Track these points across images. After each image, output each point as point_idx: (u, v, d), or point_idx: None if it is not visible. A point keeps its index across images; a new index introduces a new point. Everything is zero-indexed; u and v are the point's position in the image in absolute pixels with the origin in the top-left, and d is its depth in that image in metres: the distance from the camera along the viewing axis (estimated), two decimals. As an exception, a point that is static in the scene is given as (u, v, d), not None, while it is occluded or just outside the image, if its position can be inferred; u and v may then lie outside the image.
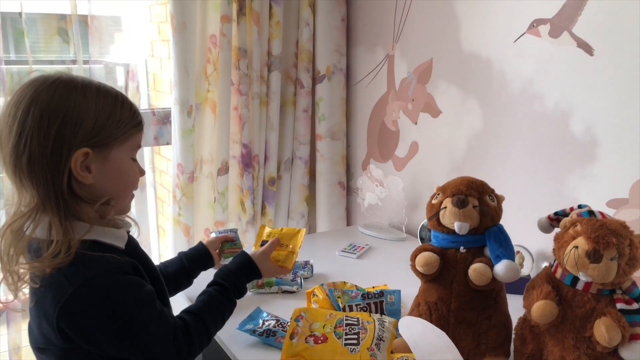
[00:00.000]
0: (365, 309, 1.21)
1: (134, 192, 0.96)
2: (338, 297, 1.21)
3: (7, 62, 1.65)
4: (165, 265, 1.19)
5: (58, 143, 0.81)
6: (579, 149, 1.30)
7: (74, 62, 1.76)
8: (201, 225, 1.96)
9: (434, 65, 1.66)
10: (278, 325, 1.16)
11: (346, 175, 2.11)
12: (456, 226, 1.02)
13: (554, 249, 0.96)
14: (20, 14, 1.68)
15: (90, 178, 0.84)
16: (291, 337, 1.06)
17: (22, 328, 1.66)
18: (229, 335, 1.16)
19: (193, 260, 1.21)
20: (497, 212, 1.05)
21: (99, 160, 0.85)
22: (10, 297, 0.86)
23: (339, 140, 2.06)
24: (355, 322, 1.11)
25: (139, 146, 0.93)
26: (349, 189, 2.14)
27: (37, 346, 0.88)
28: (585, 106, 1.27)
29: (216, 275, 1.07)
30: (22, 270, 0.84)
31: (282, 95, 1.97)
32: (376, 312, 1.21)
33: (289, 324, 1.15)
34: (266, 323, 1.17)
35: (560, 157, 1.34)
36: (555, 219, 1.04)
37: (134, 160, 0.93)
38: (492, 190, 1.07)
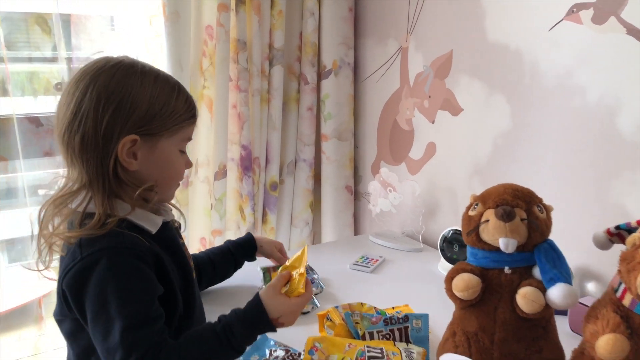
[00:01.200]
0: (388, 336, 1.04)
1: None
2: (356, 323, 1.05)
3: None
4: (213, 252, 1.26)
5: (110, 127, 0.83)
6: (628, 150, 1.14)
7: (54, 59, 1.60)
8: (197, 234, 1.80)
9: (454, 58, 1.51)
10: (288, 357, 1.00)
11: (354, 179, 1.95)
12: (502, 243, 0.86)
13: (619, 271, 0.81)
14: None
15: (135, 165, 0.86)
16: (305, 374, 0.90)
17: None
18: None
19: (239, 248, 1.27)
20: (547, 225, 0.89)
21: (146, 148, 0.86)
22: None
23: (347, 141, 1.89)
24: (379, 355, 0.95)
25: (189, 139, 0.93)
26: (356, 194, 1.98)
27: (55, 317, 0.90)
28: (635, 101, 1.12)
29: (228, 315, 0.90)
30: (57, 242, 0.85)
31: (285, 92, 1.80)
32: (401, 341, 1.05)
33: (300, 356, 0.99)
34: (274, 354, 1.01)
35: (604, 160, 1.19)
36: (616, 234, 0.89)
37: (183, 152, 0.93)
38: (541, 200, 0.91)
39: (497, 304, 0.87)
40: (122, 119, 0.83)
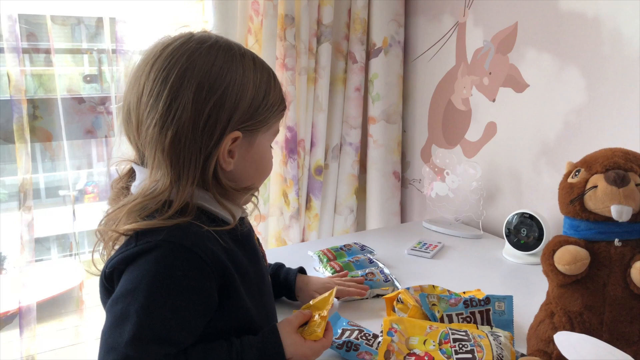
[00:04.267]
0: (469, 319, 0.95)
1: None
2: (433, 305, 0.96)
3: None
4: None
5: (212, 122, 0.71)
6: None
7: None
8: (239, 220, 1.72)
9: (519, 31, 1.41)
10: (361, 337, 0.91)
11: (401, 165, 1.86)
12: (614, 211, 0.76)
13: None
14: None
15: (231, 164, 0.75)
16: (386, 356, 0.81)
17: (37, 334, 1.44)
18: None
19: (275, 283, 1.05)
20: (662, 193, 0.79)
21: (244, 146, 0.76)
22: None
23: (395, 124, 1.80)
24: (465, 337, 0.85)
25: (278, 131, 0.83)
26: (404, 181, 1.89)
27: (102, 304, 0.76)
28: None
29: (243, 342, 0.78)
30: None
31: (332, 71, 1.72)
32: (482, 324, 0.95)
33: (375, 336, 0.90)
34: (346, 333, 0.92)
35: (700, 132, 1.09)
36: None
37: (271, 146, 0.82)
38: (653, 165, 0.81)
39: (605, 280, 0.78)
40: (226, 112, 0.72)
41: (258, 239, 0.91)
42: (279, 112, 0.79)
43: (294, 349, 0.77)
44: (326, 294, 0.85)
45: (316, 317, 0.81)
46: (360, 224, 1.92)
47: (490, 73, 1.50)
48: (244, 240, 0.81)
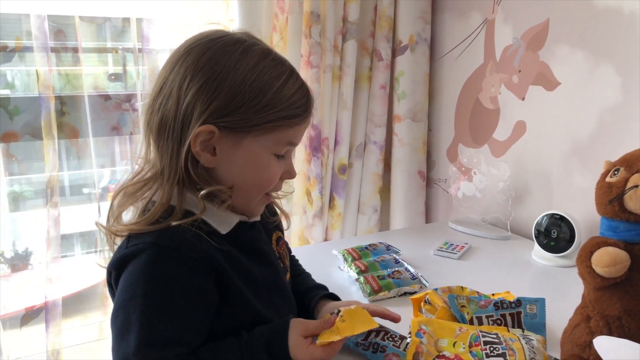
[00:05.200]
0: (499, 322, 0.92)
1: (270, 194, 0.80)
2: (462, 307, 0.93)
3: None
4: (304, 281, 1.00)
5: (190, 111, 0.70)
6: None
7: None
8: (262, 218, 1.71)
9: (550, 27, 1.37)
10: (388, 339, 0.89)
11: (427, 165, 1.83)
12: (657, 211, 0.73)
13: None
14: None
15: (212, 161, 0.73)
16: (415, 358, 0.79)
17: (62, 329, 1.46)
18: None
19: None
20: None
21: (228, 144, 0.72)
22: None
23: (421, 123, 1.78)
24: (496, 340, 0.83)
25: (291, 143, 0.75)
26: (429, 181, 1.86)
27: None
28: None
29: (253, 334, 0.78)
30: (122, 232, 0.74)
31: (357, 69, 1.70)
32: (514, 327, 0.93)
33: (402, 338, 0.88)
34: (373, 334, 0.90)
35: None
36: None
37: (281, 157, 0.75)
38: (697, 165, 0.78)
39: (647, 284, 0.75)
40: (203, 103, 0.69)
41: (282, 242, 0.90)
42: (279, 118, 0.72)
43: (295, 349, 0.75)
44: (365, 321, 0.81)
45: (339, 327, 0.78)
46: (384, 224, 1.90)
47: (519, 71, 1.47)
48: (248, 244, 0.79)
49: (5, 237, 1.65)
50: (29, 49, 1.36)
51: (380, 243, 1.33)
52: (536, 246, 1.32)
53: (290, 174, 0.79)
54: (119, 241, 0.75)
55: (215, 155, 0.72)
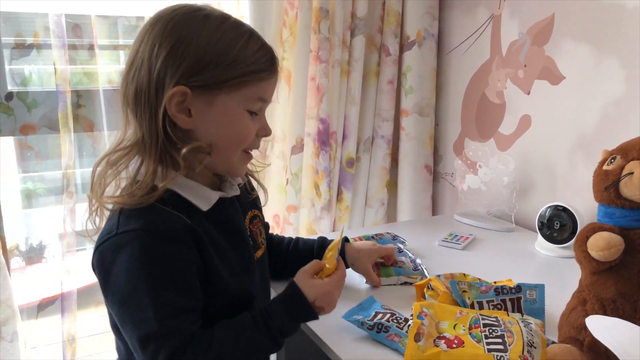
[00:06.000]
0: (499, 306, 0.95)
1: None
2: (463, 292, 0.96)
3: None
4: (304, 242, 1.09)
5: (162, 76, 0.74)
6: None
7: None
8: (271, 210, 1.75)
9: (556, 22, 1.39)
10: (392, 320, 0.92)
11: (433, 159, 1.85)
12: (650, 197, 0.75)
13: None
14: None
15: (188, 122, 0.77)
16: (416, 338, 0.82)
17: (77, 318, 1.50)
18: (328, 325, 0.93)
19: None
20: (701, 181, 0.78)
21: (202, 104, 0.76)
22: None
23: (428, 117, 1.80)
24: (495, 323, 0.86)
25: (262, 99, 0.80)
26: (435, 175, 1.88)
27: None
28: None
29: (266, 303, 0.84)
30: (107, 203, 0.78)
31: (365, 64, 1.73)
32: (513, 312, 0.95)
33: (406, 320, 0.92)
34: (379, 315, 0.93)
35: None
36: None
37: (254, 113, 0.80)
38: (692, 153, 0.80)
39: (641, 268, 0.77)
40: (173, 67, 0.74)
41: (257, 220, 0.94)
42: (247, 73, 0.77)
43: (314, 290, 0.82)
44: (337, 238, 0.90)
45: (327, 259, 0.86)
46: (390, 217, 1.93)
47: (525, 65, 1.49)
48: (226, 222, 0.84)
49: (19, 231, 1.70)
50: (46, 44, 1.40)
51: (387, 233, 1.36)
52: (539, 237, 1.34)
53: (265, 130, 0.84)
54: (106, 213, 0.79)
55: (191, 117, 0.76)
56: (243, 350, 0.77)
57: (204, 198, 0.80)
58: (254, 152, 0.88)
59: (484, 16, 1.61)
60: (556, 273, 1.22)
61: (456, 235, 1.40)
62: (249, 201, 0.94)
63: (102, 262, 0.76)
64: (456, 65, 1.74)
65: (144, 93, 0.75)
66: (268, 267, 0.98)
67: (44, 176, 1.87)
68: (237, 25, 0.78)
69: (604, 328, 0.65)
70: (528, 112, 1.50)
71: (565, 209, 1.29)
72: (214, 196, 0.82)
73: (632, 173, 0.77)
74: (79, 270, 1.49)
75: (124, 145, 0.78)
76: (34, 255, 2.07)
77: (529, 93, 1.49)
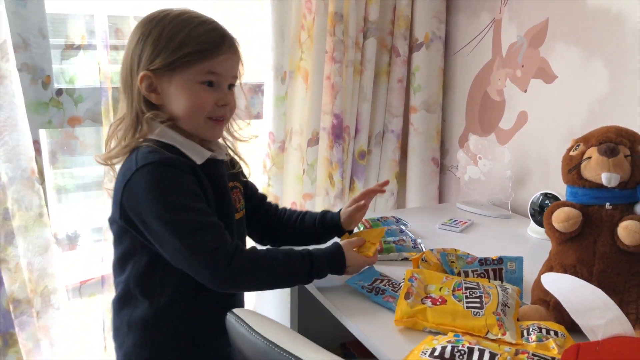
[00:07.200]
0: (482, 275, 1.09)
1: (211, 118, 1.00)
2: (452, 262, 1.11)
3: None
4: (308, 215, 1.23)
5: (132, 64, 0.95)
6: None
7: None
8: (289, 198, 1.91)
9: (549, 26, 1.52)
10: (389, 285, 1.07)
11: (440, 152, 1.99)
12: (604, 178, 0.89)
13: None
14: None
15: (158, 99, 0.96)
16: (406, 296, 0.97)
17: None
18: (334, 288, 1.10)
19: (325, 225, 1.21)
20: (651, 165, 0.91)
21: (164, 83, 0.95)
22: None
23: (435, 114, 1.94)
24: (476, 286, 1.00)
25: (211, 72, 0.96)
26: (442, 167, 2.02)
27: (109, 220, 1.01)
28: None
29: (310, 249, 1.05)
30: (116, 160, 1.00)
31: (376, 64, 1.88)
32: (495, 279, 1.09)
33: (400, 285, 1.07)
34: (377, 281, 1.09)
35: None
36: None
37: (211, 86, 0.97)
38: (645, 141, 0.93)
39: (596, 238, 0.91)
40: (139, 56, 0.94)
41: (236, 190, 1.11)
42: (191, 54, 0.93)
43: (351, 258, 1.06)
44: (377, 230, 1.18)
45: (367, 243, 1.09)
46: (400, 206, 2.07)
47: (522, 66, 1.62)
48: (215, 178, 1.02)
49: (60, 220, 1.85)
50: (91, 45, 1.59)
51: (392, 216, 1.51)
52: (531, 223, 1.47)
53: (222, 100, 0.99)
54: (116, 167, 1.00)
55: (159, 94, 0.96)
56: (285, 271, 0.98)
57: (198, 153, 0.99)
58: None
59: (487, 20, 1.74)
60: (544, 253, 1.34)
61: (455, 220, 1.54)
62: (232, 173, 1.11)
63: (132, 196, 0.93)
64: (461, 66, 1.88)
65: (126, 79, 0.97)
66: (246, 231, 1.17)
67: (71, 172, 2.02)
68: (191, 17, 0.96)
69: (553, 282, 0.79)
70: (525, 109, 1.63)
71: (554, 197, 1.42)
72: (206, 153, 1.00)
73: (590, 157, 0.91)
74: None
75: (118, 117, 1.01)
76: (69, 242, 2.25)
77: (525, 91, 1.62)
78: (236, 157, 1.13)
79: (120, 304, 1.02)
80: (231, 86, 1.02)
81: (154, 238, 0.92)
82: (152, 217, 0.90)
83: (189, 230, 0.89)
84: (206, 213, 0.93)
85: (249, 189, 1.21)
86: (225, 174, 1.07)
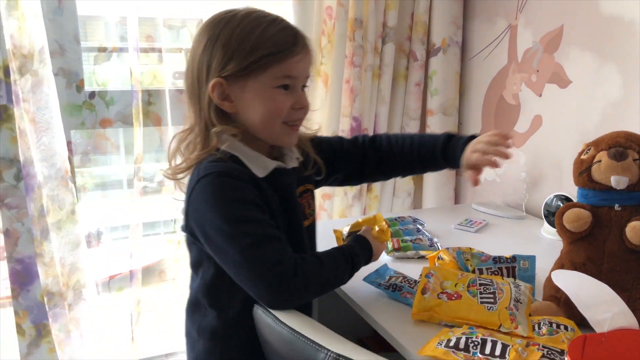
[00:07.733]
0: (496, 273, 1.14)
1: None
2: (467, 260, 1.16)
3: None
4: (426, 142, 1.15)
5: (201, 72, 0.90)
6: None
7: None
8: (308, 197, 1.97)
9: (564, 33, 1.56)
10: (405, 281, 1.13)
11: (456, 154, 2.03)
12: (613, 180, 0.93)
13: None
14: None
15: (232, 107, 0.91)
16: (423, 292, 1.02)
17: (141, 296, 1.73)
18: (350, 286, 1.14)
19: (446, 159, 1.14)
20: (659, 169, 0.95)
21: (237, 90, 0.89)
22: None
23: (451, 117, 1.99)
24: (490, 283, 1.05)
25: (287, 76, 0.90)
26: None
27: (181, 227, 0.96)
28: None
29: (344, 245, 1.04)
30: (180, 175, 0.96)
31: (395, 68, 1.93)
32: (507, 277, 1.14)
33: (416, 281, 1.12)
34: (393, 279, 1.14)
35: None
36: None
37: (287, 90, 0.91)
38: (654, 146, 0.97)
39: (606, 238, 0.95)
40: (208, 63, 0.88)
41: (308, 194, 1.06)
42: (264, 58, 0.87)
43: (376, 248, 1.05)
44: (374, 216, 1.14)
45: (376, 228, 1.10)
46: (416, 207, 2.12)
47: (537, 71, 1.66)
48: (281, 189, 0.96)
49: (88, 219, 1.92)
50: (123, 49, 1.66)
51: (409, 216, 1.57)
52: (545, 224, 1.51)
53: (299, 103, 0.93)
54: (184, 181, 0.95)
55: (233, 102, 0.90)
56: (336, 275, 0.93)
57: (261, 166, 0.93)
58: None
59: (502, 26, 1.78)
60: (557, 253, 1.38)
61: (470, 220, 1.59)
62: (305, 176, 1.05)
63: (194, 207, 0.88)
64: (478, 70, 1.92)
65: (190, 87, 0.92)
66: (316, 235, 1.11)
67: (91, 171, 2.08)
68: (260, 16, 0.89)
69: (562, 278, 0.84)
70: (540, 113, 1.68)
71: (567, 198, 1.46)
72: (271, 165, 0.94)
73: (600, 161, 0.96)
74: (142, 252, 1.73)
75: (185, 127, 0.96)
76: (96, 239, 2.33)
77: (540, 95, 1.66)
78: (310, 156, 1.05)
79: (192, 309, 1.01)
80: (304, 87, 0.97)
81: (215, 252, 0.88)
82: (212, 229, 0.86)
83: (250, 243, 0.83)
84: (267, 224, 0.87)
85: (326, 151, 1.10)
86: (293, 182, 1.00)
